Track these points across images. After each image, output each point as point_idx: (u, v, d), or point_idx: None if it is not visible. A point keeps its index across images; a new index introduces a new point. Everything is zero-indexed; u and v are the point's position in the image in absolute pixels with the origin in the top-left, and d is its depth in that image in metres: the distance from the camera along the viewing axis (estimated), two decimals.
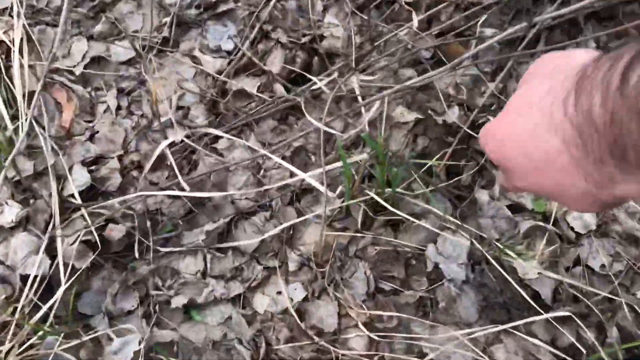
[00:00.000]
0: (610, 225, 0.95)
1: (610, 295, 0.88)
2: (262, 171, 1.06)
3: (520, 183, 0.49)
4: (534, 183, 0.47)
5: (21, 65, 1.10)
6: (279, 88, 1.10)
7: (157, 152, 0.97)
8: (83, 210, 0.97)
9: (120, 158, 1.06)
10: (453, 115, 1.00)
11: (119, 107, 1.11)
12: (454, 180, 0.99)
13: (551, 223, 0.94)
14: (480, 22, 1.06)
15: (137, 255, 0.96)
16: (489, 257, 0.88)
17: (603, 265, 0.91)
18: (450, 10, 1.08)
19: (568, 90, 0.42)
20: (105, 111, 1.11)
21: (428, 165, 0.98)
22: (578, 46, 0.99)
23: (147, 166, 1.02)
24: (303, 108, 1.02)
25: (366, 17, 1.11)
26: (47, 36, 1.18)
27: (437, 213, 0.94)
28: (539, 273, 0.87)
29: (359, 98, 1.04)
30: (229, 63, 1.14)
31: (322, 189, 0.83)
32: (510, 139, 0.48)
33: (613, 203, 0.45)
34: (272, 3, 1.15)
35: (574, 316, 0.83)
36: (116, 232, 0.97)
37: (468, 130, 0.99)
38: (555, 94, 0.43)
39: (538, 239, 0.92)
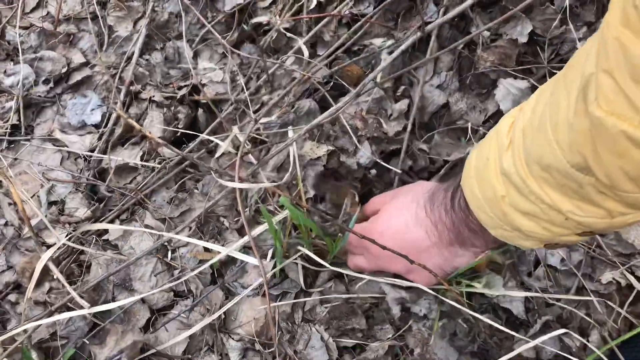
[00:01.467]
0: None
1: (579, 298, 0.82)
2: (169, 253, 0.89)
3: (386, 265, 0.75)
4: (400, 266, 0.72)
5: None
6: (166, 152, 0.95)
7: (38, 270, 0.77)
8: None
9: None
10: (366, 154, 0.90)
11: None
12: None
13: None
14: (365, 35, 0.98)
15: None
16: (445, 299, 0.78)
17: (563, 260, 0.84)
18: (332, 27, 0.99)
19: (425, 201, 0.70)
20: None
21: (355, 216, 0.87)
22: (472, 39, 0.94)
23: (30, 286, 0.82)
24: (203, 166, 0.87)
25: (245, 54, 0.99)
26: None
27: None
28: (505, 291, 0.79)
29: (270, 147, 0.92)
30: (99, 137, 0.97)
31: (252, 260, 0.69)
32: (388, 231, 0.72)
33: (451, 272, 0.73)
34: (134, 60, 0.99)
35: (557, 325, 0.75)
36: None
37: (383, 164, 0.89)
38: (418, 202, 0.71)
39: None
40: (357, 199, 0.88)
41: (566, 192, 0.48)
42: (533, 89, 0.94)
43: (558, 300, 0.82)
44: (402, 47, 0.88)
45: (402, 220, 0.72)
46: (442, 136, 0.97)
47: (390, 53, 0.95)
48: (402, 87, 0.95)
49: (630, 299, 0.82)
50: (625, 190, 0.43)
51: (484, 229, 0.61)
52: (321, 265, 0.79)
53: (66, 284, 0.77)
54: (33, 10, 1.06)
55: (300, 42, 0.93)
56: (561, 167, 0.46)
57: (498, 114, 0.94)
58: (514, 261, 0.83)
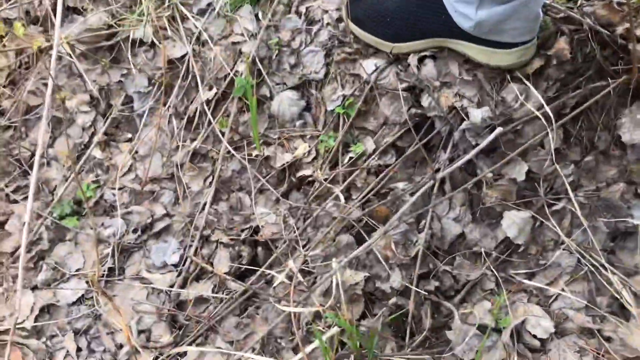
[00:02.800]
0: (564, 324, 1.04)
1: None
2: None
3: None
4: None
5: None
6: (233, 284, 1.15)
7: None
8: None
9: None
10: (397, 280, 1.09)
11: (79, 349, 1.10)
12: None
13: (515, 339, 1.01)
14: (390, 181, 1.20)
15: None
16: None
17: None
18: (363, 176, 1.23)
19: None
20: (65, 357, 1.09)
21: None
22: (479, 181, 1.15)
23: None
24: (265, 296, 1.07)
25: (292, 201, 1.22)
26: None
27: None
28: None
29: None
30: (178, 275, 1.19)
31: None
32: None
33: None
34: (205, 211, 1.24)
35: None
36: None
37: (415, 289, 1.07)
38: None
39: (511, 357, 0.99)
40: None
41: None
42: (534, 218, 1.12)
43: None
44: (421, 191, 1.09)
45: None
46: (462, 259, 1.15)
47: (411, 195, 1.16)
48: (423, 221, 1.15)
49: None
50: None
51: None
52: None
53: None
54: (125, 174, 1.34)
55: (338, 190, 1.16)
56: None
57: (506, 240, 1.13)
58: None
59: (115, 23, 1.38)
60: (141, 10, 1.35)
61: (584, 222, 1.08)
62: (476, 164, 1.18)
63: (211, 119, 1.28)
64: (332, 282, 1.11)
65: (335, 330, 0.93)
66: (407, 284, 1.08)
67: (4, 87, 1.42)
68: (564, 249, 1.09)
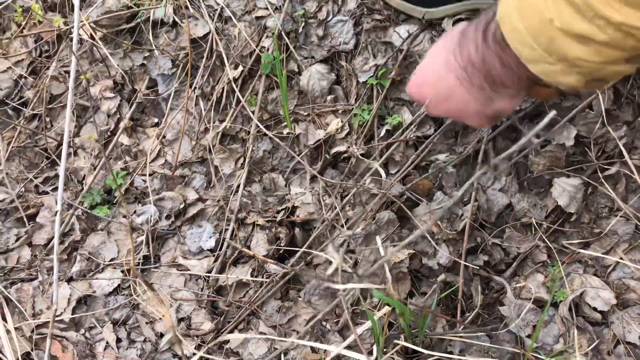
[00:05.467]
0: (626, 294, 0.98)
1: None
2: (282, 356, 1.03)
3: (435, 111, 0.78)
4: (444, 109, 0.76)
5: (7, 331, 1.06)
6: (272, 267, 1.12)
7: None
8: None
9: None
10: (444, 255, 1.04)
11: (118, 340, 1.08)
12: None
13: (574, 312, 0.96)
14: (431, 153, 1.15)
15: None
16: None
17: None
18: (401, 149, 1.17)
19: (454, 44, 0.69)
20: (105, 348, 1.07)
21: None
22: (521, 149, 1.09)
23: None
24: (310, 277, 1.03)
25: (329, 178, 1.17)
26: (25, 293, 1.15)
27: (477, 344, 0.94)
28: None
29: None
30: (215, 260, 1.15)
31: (361, 357, 0.82)
32: (424, 82, 0.76)
33: (494, 116, 0.73)
34: (239, 193, 1.20)
35: None
36: None
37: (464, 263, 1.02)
38: (448, 49, 0.70)
39: (571, 332, 0.93)
40: None
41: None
42: (585, 184, 1.06)
43: None
44: (462, 156, 1.03)
45: (435, 69, 0.73)
46: (511, 231, 1.09)
47: (454, 167, 1.11)
48: (469, 194, 1.10)
49: None
50: None
51: (520, 65, 0.61)
52: (415, 354, 0.90)
53: None
54: (154, 160, 1.30)
55: (376, 164, 1.11)
56: None
57: (557, 209, 1.07)
58: None
59: (134, 4, 1.33)
60: None
61: None
62: (521, 131, 1.11)
63: (240, 97, 1.24)
64: (375, 260, 1.07)
65: (387, 309, 0.89)
66: (455, 259, 1.02)
67: (25, 77, 1.39)
68: (620, 216, 1.03)
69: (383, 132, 1.17)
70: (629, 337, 0.92)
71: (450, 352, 0.94)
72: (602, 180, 1.05)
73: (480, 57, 0.66)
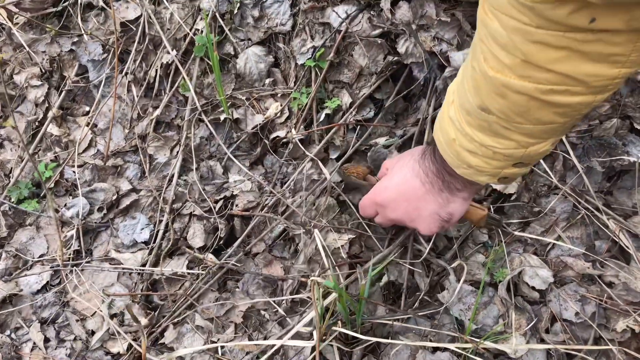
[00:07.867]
0: (563, 272, 0.98)
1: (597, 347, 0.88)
2: (219, 349, 0.99)
3: (393, 214, 0.87)
4: (403, 212, 0.85)
5: None
6: (209, 258, 1.07)
7: None
8: None
9: None
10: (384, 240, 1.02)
11: (46, 340, 1.02)
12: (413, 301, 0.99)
13: (513, 292, 0.95)
14: None
15: None
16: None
17: (577, 313, 0.92)
18: (341, 133, 1.14)
19: (418, 157, 0.83)
20: (32, 349, 1.01)
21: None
22: None
23: None
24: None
25: (268, 165, 1.14)
26: None
27: (416, 328, 0.92)
28: (528, 346, 0.86)
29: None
30: (149, 252, 1.10)
31: (307, 344, 0.78)
32: (391, 184, 0.87)
33: (446, 219, 0.83)
34: (173, 182, 1.15)
35: None
36: None
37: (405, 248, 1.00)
38: (414, 159, 0.84)
39: (509, 312, 0.92)
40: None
41: (484, 130, 0.65)
42: None
43: (579, 351, 0.88)
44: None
45: (402, 174, 0.86)
46: None
47: (396, 148, 1.08)
48: None
49: None
50: (518, 122, 0.60)
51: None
52: (354, 345, 0.87)
53: None
54: (85, 150, 1.24)
55: (311, 155, 1.08)
56: (472, 109, 0.64)
57: (496, 190, 1.06)
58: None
59: None
60: None
61: (577, 164, 1.01)
62: None
63: (173, 83, 1.19)
64: (315, 248, 1.04)
65: (334, 295, 0.86)
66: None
67: None
68: (558, 194, 1.03)
69: (323, 116, 1.14)
70: (565, 315, 0.92)
71: (388, 337, 0.92)
72: (541, 160, 1.05)
73: (435, 167, 0.80)
